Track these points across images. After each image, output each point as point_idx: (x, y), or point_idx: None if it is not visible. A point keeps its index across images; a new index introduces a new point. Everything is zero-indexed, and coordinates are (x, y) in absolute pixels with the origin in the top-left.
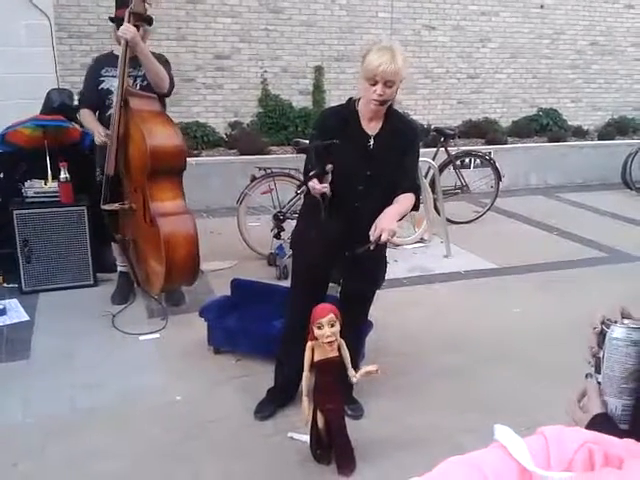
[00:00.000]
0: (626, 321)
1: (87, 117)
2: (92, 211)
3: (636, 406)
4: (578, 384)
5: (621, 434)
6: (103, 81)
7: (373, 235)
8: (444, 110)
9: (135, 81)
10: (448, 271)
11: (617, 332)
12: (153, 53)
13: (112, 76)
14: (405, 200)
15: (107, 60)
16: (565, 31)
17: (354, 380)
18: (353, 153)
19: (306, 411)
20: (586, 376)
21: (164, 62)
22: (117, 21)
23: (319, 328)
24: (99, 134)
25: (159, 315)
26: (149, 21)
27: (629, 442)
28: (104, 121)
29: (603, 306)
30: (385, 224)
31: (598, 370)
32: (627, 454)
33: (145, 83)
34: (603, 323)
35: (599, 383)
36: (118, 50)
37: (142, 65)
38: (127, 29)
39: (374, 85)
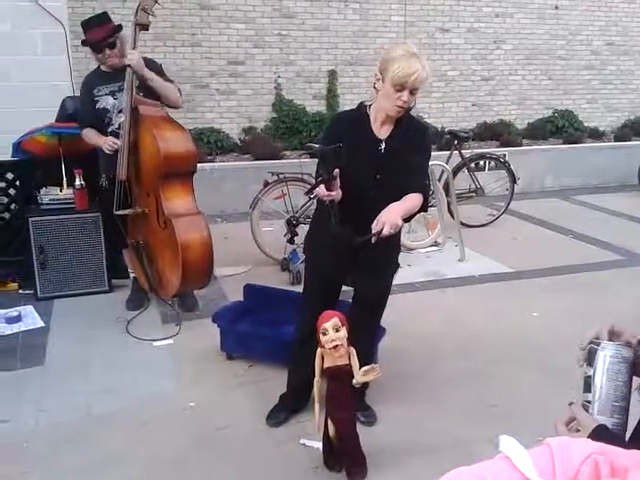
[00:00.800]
0: (614, 339)
1: (91, 134)
2: (107, 217)
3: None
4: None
5: (625, 444)
6: (98, 101)
7: (375, 227)
8: (458, 113)
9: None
10: (462, 275)
11: (608, 349)
12: (145, 58)
13: (105, 94)
14: (411, 198)
15: (96, 78)
16: (580, 32)
17: (356, 385)
18: (364, 157)
19: (317, 418)
20: (570, 404)
21: (159, 68)
22: (91, 45)
23: (324, 334)
24: (112, 142)
25: (173, 321)
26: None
27: (635, 453)
28: (111, 135)
29: (596, 323)
30: (388, 217)
31: (587, 389)
32: (634, 464)
33: (141, 94)
34: (591, 343)
35: (588, 402)
36: (105, 66)
37: (154, 89)
38: (132, 56)
39: (400, 91)
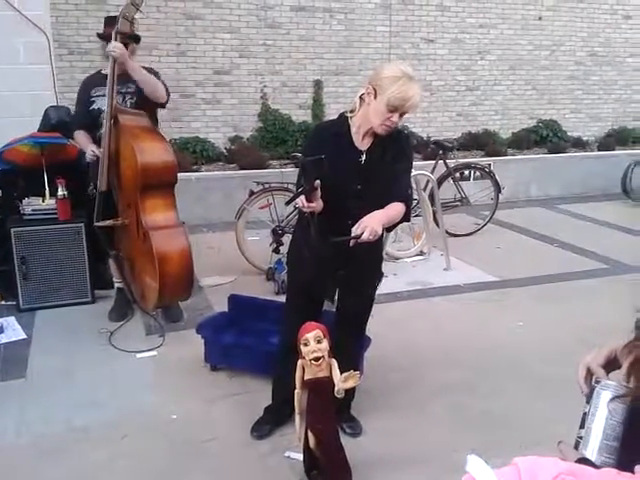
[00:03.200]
0: (613, 379)
1: (80, 137)
2: (89, 228)
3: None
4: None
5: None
6: (94, 102)
7: (355, 231)
8: (443, 122)
9: (124, 99)
10: (448, 284)
11: (607, 389)
12: (145, 67)
13: (102, 95)
14: (393, 207)
15: (95, 80)
16: (564, 42)
17: (338, 395)
18: (344, 168)
19: (299, 428)
20: (558, 443)
21: (154, 73)
22: (105, 38)
23: (305, 345)
24: (90, 151)
25: (157, 332)
26: (136, 39)
27: (607, 471)
28: (95, 140)
29: (594, 348)
30: (369, 222)
31: (581, 425)
32: None
33: (134, 100)
34: (595, 381)
35: (580, 438)
36: (106, 69)
37: (135, 79)
38: (115, 47)
39: (392, 112)
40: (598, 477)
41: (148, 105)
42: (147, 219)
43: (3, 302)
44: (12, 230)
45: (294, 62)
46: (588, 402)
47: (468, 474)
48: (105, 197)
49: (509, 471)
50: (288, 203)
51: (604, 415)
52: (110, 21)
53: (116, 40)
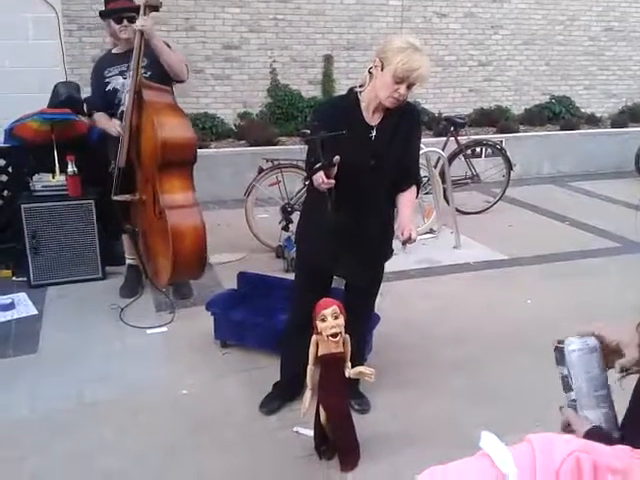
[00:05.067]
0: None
1: (102, 119)
2: (102, 203)
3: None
4: None
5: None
6: (109, 82)
7: (402, 237)
8: (455, 98)
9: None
10: (458, 262)
11: (574, 344)
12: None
13: (115, 75)
14: (410, 197)
15: (107, 60)
16: (579, 17)
17: (347, 374)
18: (355, 144)
19: (307, 403)
20: (560, 408)
21: (169, 45)
22: (111, 13)
23: (322, 320)
24: (116, 126)
25: (167, 308)
26: (157, 8)
27: (621, 449)
28: (119, 117)
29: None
30: (408, 224)
31: (568, 388)
32: (618, 462)
33: (149, 74)
34: (559, 342)
35: (573, 401)
36: (116, 49)
37: (158, 57)
38: (144, 21)
39: (399, 84)
40: (612, 454)
41: (163, 79)
42: (164, 197)
43: (14, 278)
44: (22, 206)
45: (304, 37)
46: (560, 364)
47: (482, 450)
48: (124, 172)
49: (523, 448)
50: (307, 178)
51: (583, 370)
52: None
53: (145, 14)
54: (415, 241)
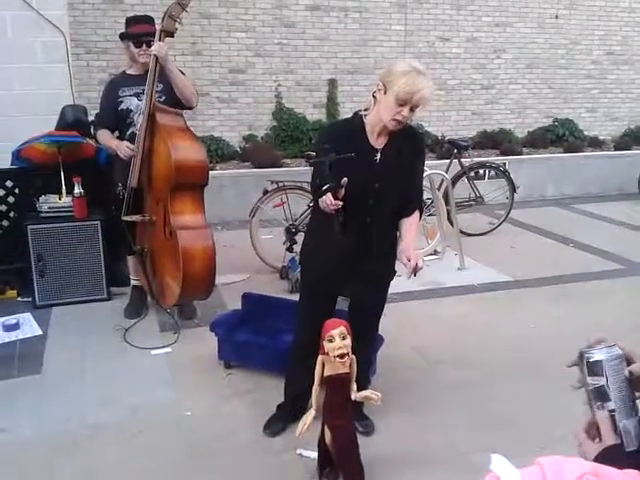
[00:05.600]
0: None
1: (106, 136)
2: (107, 225)
3: None
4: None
5: (628, 465)
6: (122, 102)
7: (409, 266)
8: (458, 121)
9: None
10: (462, 284)
11: (613, 352)
12: None
13: (130, 95)
14: (413, 223)
15: (122, 80)
16: (580, 41)
17: (353, 397)
18: (361, 167)
19: (307, 423)
20: (598, 407)
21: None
22: (132, 38)
23: (330, 341)
24: (127, 148)
25: (171, 329)
26: (173, 34)
27: (631, 474)
28: (125, 139)
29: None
30: (411, 252)
31: (605, 399)
32: None
33: (163, 99)
34: (584, 352)
35: (612, 411)
36: (131, 70)
37: (171, 81)
38: (160, 47)
39: (402, 106)
40: (622, 478)
41: (176, 104)
42: (176, 218)
43: (19, 298)
44: (29, 227)
45: (309, 61)
46: (594, 375)
47: (492, 473)
48: (134, 193)
49: (533, 471)
50: (314, 200)
51: (619, 379)
52: (135, 20)
53: (160, 40)
54: (422, 268)
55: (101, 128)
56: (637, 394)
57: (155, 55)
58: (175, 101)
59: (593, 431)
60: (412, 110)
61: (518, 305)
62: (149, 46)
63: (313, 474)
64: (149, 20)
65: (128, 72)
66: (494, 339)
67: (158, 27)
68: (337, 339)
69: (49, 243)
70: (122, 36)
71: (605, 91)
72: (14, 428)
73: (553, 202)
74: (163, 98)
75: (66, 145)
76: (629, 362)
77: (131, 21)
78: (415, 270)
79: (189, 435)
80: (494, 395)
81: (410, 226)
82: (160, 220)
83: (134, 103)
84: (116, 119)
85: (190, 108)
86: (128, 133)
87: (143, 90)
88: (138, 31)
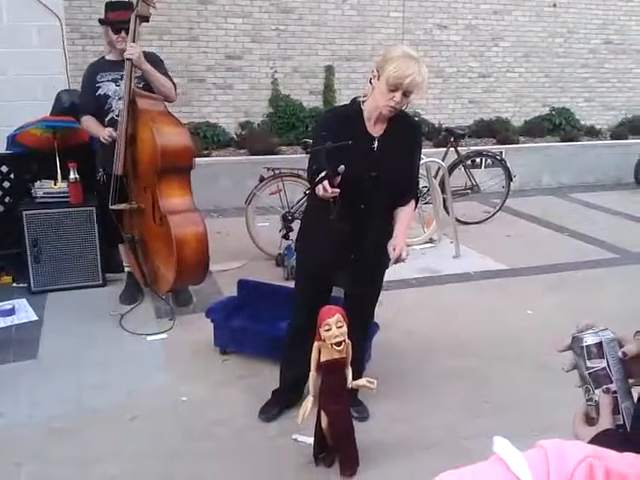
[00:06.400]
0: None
1: (90, 122)
2: (100, 212)
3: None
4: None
5: (623, 449)
6: (99, 87)
7: (393, 255)
8: (455, 109)
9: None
10: (458, 272)
11: (609, 335)
12: (145, 52)
13: (107, 81)
14: (407, 214)
15: (100, 66)
16: (578, 30)
17: (349, 385)
18: (357, 155)
19: (307, 411)
20: (603, 391)
21: (158, 61)
22: (110, 24)
23: (327, 330)
24: (109, 133)
25: (167, 315)
26: (148, 19)
27: (631, 456)
28: (105, 125)
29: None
30: (400, 243)
31: (608, 381)
32: (628, 469)
33: (141, 84)
34: (582, 337)
35: (615, 393)
36: (110, 55)
37: (149, 82)
38: (133, 50)
39: (394, 92)
40: (623, 461)
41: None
42: (164, 203)
43: (15, 284)
44: (24, 213)
45: (306, 47)
46: (595, 358)
47: (495, 455)
48: (119, 181)
49: (536, 453)
50: (311, 188)
51: (617, 361)
52: (113, 6)
53: (135, 25)
54: (404, 261)
55: (84, 114)
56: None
57: (129, 59)
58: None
59: (588, 415)
60: (406, 96)
61: (513, 293)
62: (128, 33)
63: (309, 459)
64: (128, 6)
65: (107, 57)
66: (489, 326)
67: (133, 12)
68: (333, 327)
69: (44, 228)
70: (101, 21)
71: (602, 80)
72: (10, 412)
73: (549, 191)
74: (142, 84)
75: (61, 130)
76: (620, 345)
77: (109, 7)
78: (397, 260)
79: (185, 420)
80: (489, 381)
81: (404, 216)
82: (149, 207)
83: (112, 89)
84: (96, 105)
85: (170, 101)
86: (107, 119)
87: (121, 76)
88: (116, 18)
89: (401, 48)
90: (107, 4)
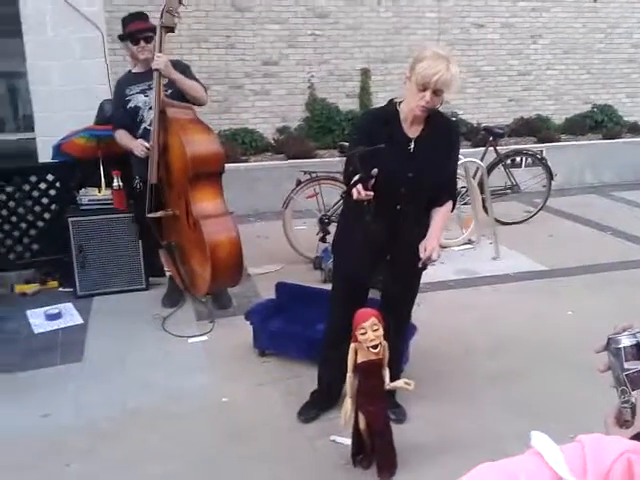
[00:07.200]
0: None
1: (124, 136)
2: (138, 219)
3: None
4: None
5: None
6: (129, 100)
7: (424, 256)
8: (495, 108)
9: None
10: (497, 273)
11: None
12: (171, 61)
13: (136, 93)
14: (444, 214)
15: (127, 80)
16: (620, 24)
17: (386, 386)
18: (394, 156)
19: (348, 413)
20: (622, 398)
21: (185, 68)
22: (130, 35)
23: (363, 334)
24: (142, 146)
25: (207, 318)
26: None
27: None
28: (139, 136)
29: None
30: (432, 244)
31: (635, 383)
32: None
33: (169, 92)
34: (620, 339)
35: None
36: (135, 68)
37: (179, 88)
38: (159, 60)
39: (423, 91)
40: None
41: (183, 97)
42: (196, 208)
43: (61, 289)
44: (70, 220)
45: (342, 51)
46: (635, 359)
47: (532, 449)
48: (155, 189)
49: (573, 448)
50: (346, 191)
51: None
52: (128, 20)
53: (161, 35)
54: (434, 263)
55: (117, 129)
56: None
57: (157, 69)
58: (182, 93)
59: (622, 417)
60: (436, 95)
61: (554, 294)
62: (147, 42)
63: (347, 460)
64: (142, 16)
65: (133, 71)
66: (530, 328)
67: (158, 23)
68: (369, 331)
69: (89, 234)
70: (120, 37)
71: None
72: (57, 414)
73: (591, 190)
74: (169, 91)
75: (104, 139)
76: None
77: (125, 21)
78: (427, 261)
79: (226, 421)
80: (528, 384)
81: (440, 217)
82: (183, 213)
83: (141, 100)
84: (128, 118)
85: (201, 105)
86: (140, 130)
87: (149, 86)
88: (132, 29)
89: (431, 48)
90: (123, 20)
